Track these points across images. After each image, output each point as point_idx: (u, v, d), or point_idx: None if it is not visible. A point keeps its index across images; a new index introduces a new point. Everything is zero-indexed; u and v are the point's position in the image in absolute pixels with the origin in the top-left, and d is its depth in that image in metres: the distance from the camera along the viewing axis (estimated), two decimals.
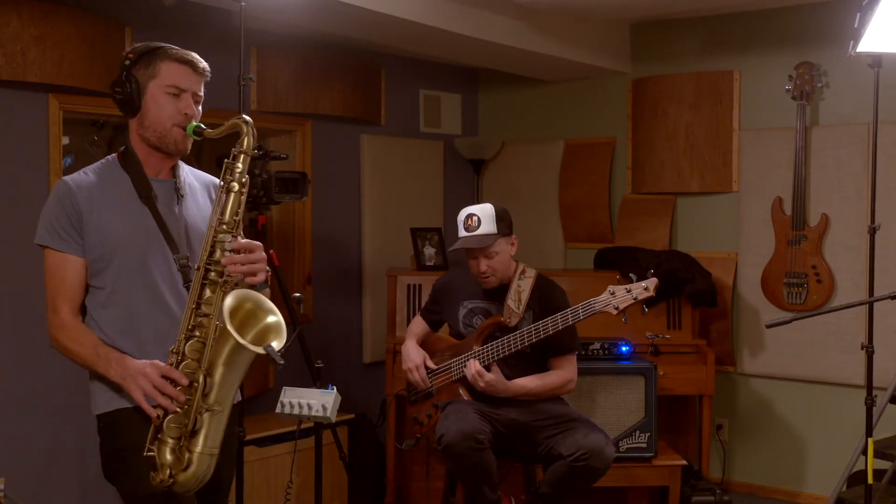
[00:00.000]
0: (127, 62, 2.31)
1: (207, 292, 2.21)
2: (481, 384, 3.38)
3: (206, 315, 2.21)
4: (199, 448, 2.17)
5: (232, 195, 2.25)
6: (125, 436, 2.25)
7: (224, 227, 2.23)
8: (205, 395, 2.16)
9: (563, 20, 4.91)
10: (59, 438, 3.91)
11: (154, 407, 2.17)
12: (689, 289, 4.61)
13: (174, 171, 2.40)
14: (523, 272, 3.59)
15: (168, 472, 2.15)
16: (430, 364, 3.67)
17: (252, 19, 4.13)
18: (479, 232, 3.50)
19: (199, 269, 2.22)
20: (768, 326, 3.36)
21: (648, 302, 3.32)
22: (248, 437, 3.90)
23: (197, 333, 2.20)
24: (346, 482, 4.60)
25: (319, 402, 3.15)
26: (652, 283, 3.28)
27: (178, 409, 2.16)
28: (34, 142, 3.90)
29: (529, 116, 5.90)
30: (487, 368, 3.43)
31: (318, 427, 3.67)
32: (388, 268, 5.16)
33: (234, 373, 2.20)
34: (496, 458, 3.37)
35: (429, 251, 5.07)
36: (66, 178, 2.32)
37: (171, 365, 2.19)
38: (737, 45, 5.01)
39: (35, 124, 3.92)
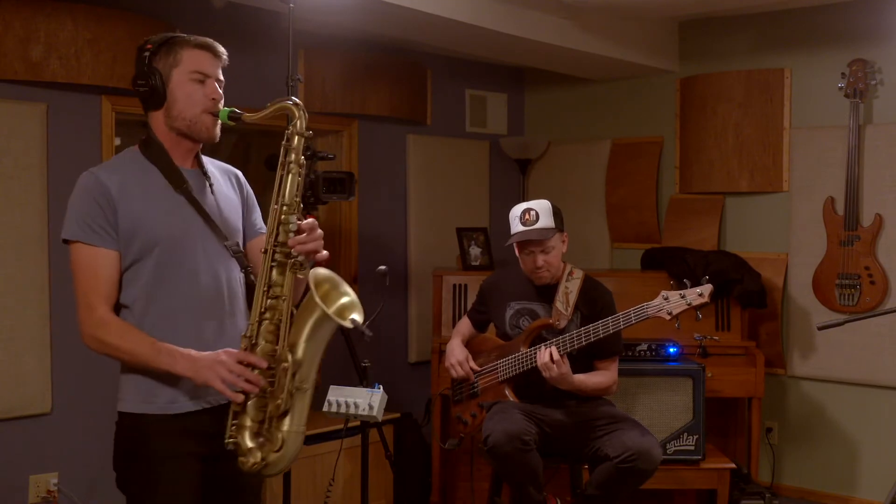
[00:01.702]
0: (146, 54, 2.26)
1: (275, 274, 2.20)
2: (554, 372, 3.33)
3: (276, 297, 2.19)
4: (287, 427, 2.17)
5: (290, 176, 2.21)
6: (146, 445, 2.21)
7: (286, 208, 2.20)
8: (292, 375, 2.16)
9: (610, 19, 4.87)
10: (111, 435, 3.97)
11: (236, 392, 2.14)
12: (739, 290, 4.55)
13: (198, 160, 2.35)
14: (571, 273, 3.57)
15: (259, 454, 2.15)
16: (473, 364, 3.66)
17: (300, 21, 4.17)
18: (537, 226, 3.49)
19: (266, 252, 2.20)
20: (820, 328, 3.30)
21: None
22: None
23: (268, 316, 2.19)
24: (391, 481, 4.61)
25: (366, 401, 3.16)
26: (707, 289, 3.23)
27: (261, 393, 2.15)
28: (88, 143, 3.97)
29: (576, 116, 5.86)
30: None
31: (364, 426, 3.68)
32: (433, 268, 5.16)
33: (315, 349, 2.20)
34: (542, 459, 3.35)
35: (474, 251, 5.06)
36: (93, 169, 2.23)
37: (245, 349, 2.18)
38: (787, 42, 4.93)
39: (89, 126, 3.99)
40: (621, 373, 3.61)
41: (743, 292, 4.56)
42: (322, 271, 2.22)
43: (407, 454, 4.81)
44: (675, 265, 4.69)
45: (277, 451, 2.16)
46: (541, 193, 5.70)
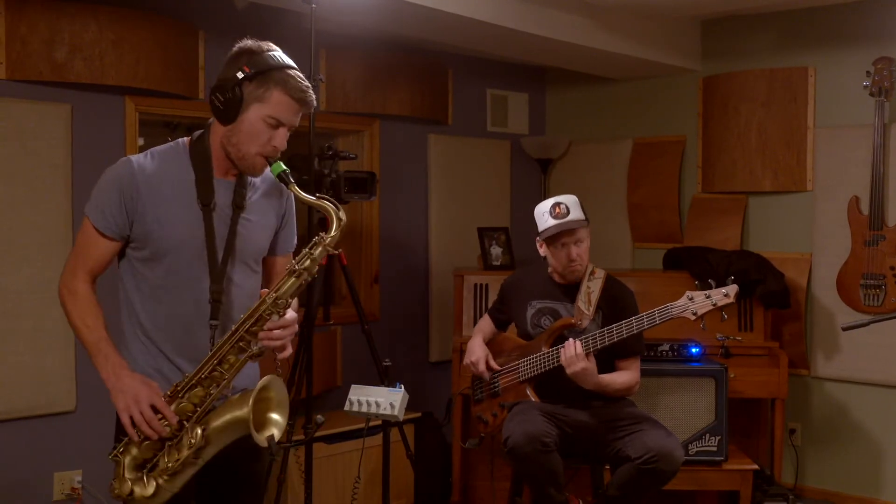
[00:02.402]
0: (240, 74, 2.16)
1: (231, 355, 2.19)
2: (578, 367, 3.31)
3: (220, 373, 2.18)
4: (164, 481, 2.16)
5: (294, 280, 2.18)
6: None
7: (275, 305, 2.17)
8: (195, 451, 2.15)
9: (632, 18, 4.85)
10: None
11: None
12: (762, 290, 4.52)
13: (241, 174, 2.31)
14: (593, 273, 3.56)
15: (128, 487, 2.15)
16: (493, 364, 3.66)
17: (322, 21, 4.18)
18: (569, 218, 3.48)
19: (235, 332, 2.18)
20: (845, 329, 3.26)
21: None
22: (317, 434, 3.94)
23: (205, 384, 2.18)
24: (412, 480, 4.62)
25: (387, 400, 3.17)
26: (732, 289, 3.21)
27: (156, 440, 2.16)
28: (111, 142, 4.00)
29: (597, 115, 5.84)
30: (565, 373, 3.37)
31: (385, 425, 3.69)
32: (454, 267, 5.16)
33: (223, 439, 2.18)
34: (563, 460, 3.34)
35: (495, 251, 5.05)
36: (132, 157, 2.24)
37: (170, 395, 2.18)
38: (811, 40, 4.89)
39: (112, 126, 4.02)
40: (643, 373, 3.59)
41: (766, 292, 4.52)
42: (275, 380, 2.20)
43: (428, 453, 4.81)
44: (697, 265, 4.66)
45: (149, 497, 2.16)
46: (562, 193, 5.68)
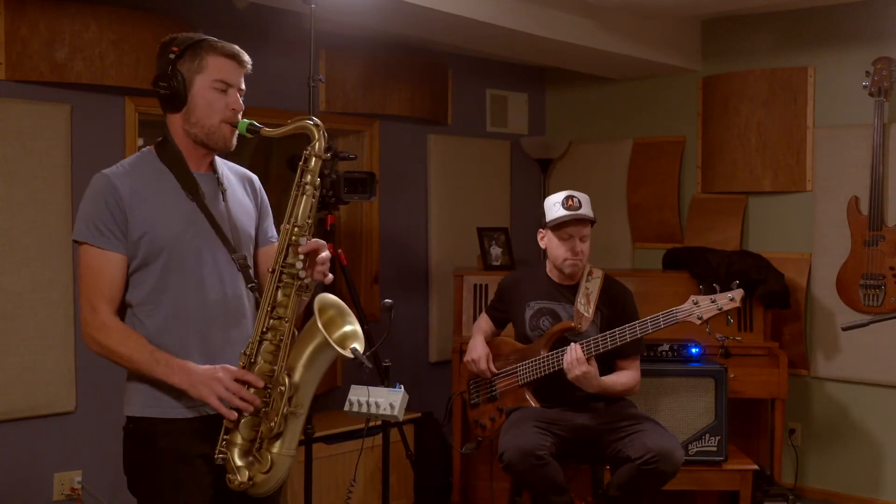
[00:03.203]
0: (171, 55, 2.23)
1: (280, 295, 2.20)
2: (578, 371, 3.30)
3: (279, 318, 2.19)
4: (277, 449, 2.17)
5: (304, 197, 2.22)
6: (154, 448, 2.22)
7: (297, 229, 2.20)
8: (288, 399, 2.16)
9: (632, 18, 4.85)
10: None
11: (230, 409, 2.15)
12: (762, 290, 4.52)
13: (213, 165, 2.34)
14: (591, 273, 3.56)
15: (247, 473, 2.15)
16: (493, 366, 3.65)
17: (322, 21, 4.18)
18: (582, 211, 3.48)
19: (273, 271, 2.20)
20: (844, 329, 3.26)
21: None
22: (317, 434, 3.94)
23: (269, 336, 2.19)
24: (412, 481, 4.62)
25: (387, 400, 3.16)
26: (738, 293, 3.21)
27: (254, 413, 2.16)
28: (111, 142, 4.01)
29: (597, 115, 5.84)
30: (564, 375, 3.37)
31: (385, 425, 3.69)
32: (454, 267, 5.16)
33: (313, 374, 2.20)
34: (563, 461, 3.33)
35: (495, 251, 5.06)
36: (105, 171, 2.24)
37: (244, 367, 2.17)
38: (811, 40, 4.89)
39: (112, 126, 4.02)
40: (643, 374, 3.60)
41: (766, 292, 4.53)
42: (328, 297, 2.22)
43: (427, 454, 4.81)
44: (697, 265, 4.66)
45: (266, 472, 2.16)
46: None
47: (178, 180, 2.26)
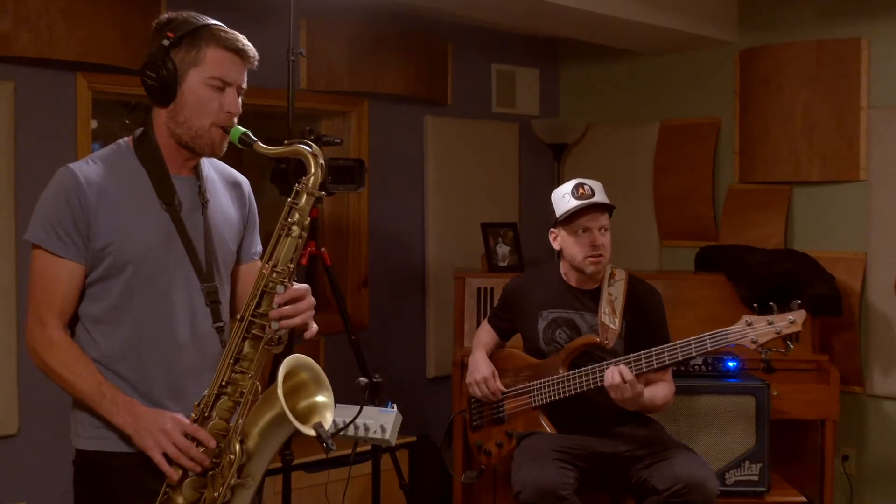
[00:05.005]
0: (165, 42, 2.18)
1: (246, 346, 2.17)
2: (628, 393, 3.24)
3: (242, 372, 2.17)
4: None
5: (289, 240, 2.17)
6: (104, 484, 2.22)
7: (276, 275, 2.15)
8: (237, 469, 2.13)
9: None
10: None
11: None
12: (808, 294, 4.51)
13: (196, 168, 2.30)
14: (613, 275, 3.54)
15: None
16: (500, 384, 3.64)
17: None
18: (595, 199, 3.47)
19: (242, 319, 2.17)
20: None
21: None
22: (297, 462, 3.93)
23: (229, 390, 2.17)
24: None
25: (378, 422, 3.17)
26: (800, 315, 3.15)
27: (201, 473, 2.14)
28: (61, 125, 4.01)
29: (618, 94, 5.85)
30: (584, 395, 3.36)
31: (375, 450, 3.69)
32: (455, 269, 5.16)
33: (270, 445, 2.17)
34: (581, 494, 3.32)
35: (502, 250, 5.05)
36: (72, 166, 2.20)
37: (195, 420, 2.15)
38: (864, 8, 4.89)
39: (62, 106, 4.02)
40: None
41: (813, 297, 4.52)
42: (302, 359, 2.18)
43: (424, 482, 4.81)
44: (734, 267, 4.66)
45: None
46: None
47: (153, 184, 2.23)
